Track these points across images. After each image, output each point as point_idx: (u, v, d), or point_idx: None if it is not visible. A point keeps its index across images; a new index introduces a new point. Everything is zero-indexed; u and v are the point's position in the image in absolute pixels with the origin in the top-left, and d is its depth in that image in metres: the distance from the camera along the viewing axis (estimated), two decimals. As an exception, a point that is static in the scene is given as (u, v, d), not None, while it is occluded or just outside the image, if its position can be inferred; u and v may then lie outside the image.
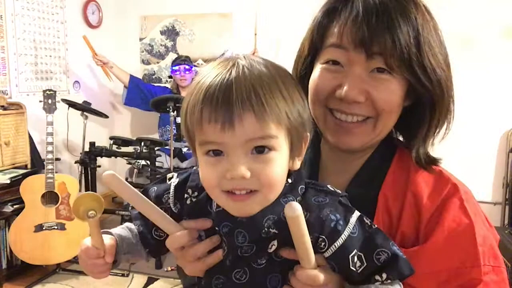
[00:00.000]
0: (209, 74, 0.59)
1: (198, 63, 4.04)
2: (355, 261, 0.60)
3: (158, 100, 3.19)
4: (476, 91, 3.35)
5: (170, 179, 0.71)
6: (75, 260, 2.97)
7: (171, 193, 0.69)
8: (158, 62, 4.19)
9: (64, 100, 3.16)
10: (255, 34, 3.69)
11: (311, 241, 0.58)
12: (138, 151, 3.04)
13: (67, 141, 3.42)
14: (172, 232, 0.65)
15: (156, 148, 3.03)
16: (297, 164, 0.64)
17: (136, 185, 3.12)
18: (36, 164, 3.06)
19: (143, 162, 3.14)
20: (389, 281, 0.61)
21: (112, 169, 4.87)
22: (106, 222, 3.84)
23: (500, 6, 3.22)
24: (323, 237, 0.60)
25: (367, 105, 0.70)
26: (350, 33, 0.67)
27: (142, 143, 3.07)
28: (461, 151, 3.42)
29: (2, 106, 2.87)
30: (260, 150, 0.57)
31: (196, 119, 0.58)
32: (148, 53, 4.20)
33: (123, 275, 2.86)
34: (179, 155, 3.63)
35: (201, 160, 0.61)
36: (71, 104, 3.22)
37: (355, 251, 0.60)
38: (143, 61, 4.24)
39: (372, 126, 0.72)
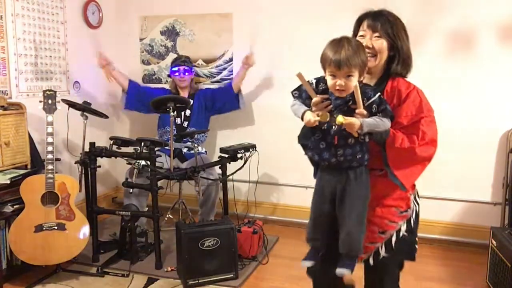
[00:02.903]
0: (333, 49, 1.49)
1: (198, 64, 4.04)
2: (373, 107, 1.53)
3: (158, 101, 3.18)
4: (476, 91, 3.36)
5: (308, 81, 1.59)
6: (75, 260, 2.97)
7: (313, 84, 1.59)
8: (158, 63, 4.19)
9: (64, 100, 3.16)
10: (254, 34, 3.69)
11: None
12: (138, 151, 3.03)
13: (67, 141, 3.42)
14: (315, 97, 1.55)
15: (156, 149, 3.02)
16: (362, 78, 1.54)
17: (136, 186, 3.13)
18: (36, 164, 3.06)
19: (143, 162, 3.13)
20: (381, 116, 1.54)
21: (112, 170, 4.84)
22: (106, 222, 3.85)
23: (501, 6, 3.22)
24: (365, 98, 1.52)
25: (372, 50, 1.64)
26: (366, 25, 1.68)
27: (142, 144, 3.06)
28: (461, 151, 3.43)
29: (2, 106, 2.87)
30: (349, 76, 1.48)
31: (327, 65, 1.50)
32: (148, 53, 4.21)
33: (123, 275, 2.87)
34: (179, 156, 3.63)
35: (328, 77, 1.52)
36: (71, 104, 3.21)
37: (375, 105, 1.53)
38: (143, 62, 4.24)
39: (374, 60, 1.65)
